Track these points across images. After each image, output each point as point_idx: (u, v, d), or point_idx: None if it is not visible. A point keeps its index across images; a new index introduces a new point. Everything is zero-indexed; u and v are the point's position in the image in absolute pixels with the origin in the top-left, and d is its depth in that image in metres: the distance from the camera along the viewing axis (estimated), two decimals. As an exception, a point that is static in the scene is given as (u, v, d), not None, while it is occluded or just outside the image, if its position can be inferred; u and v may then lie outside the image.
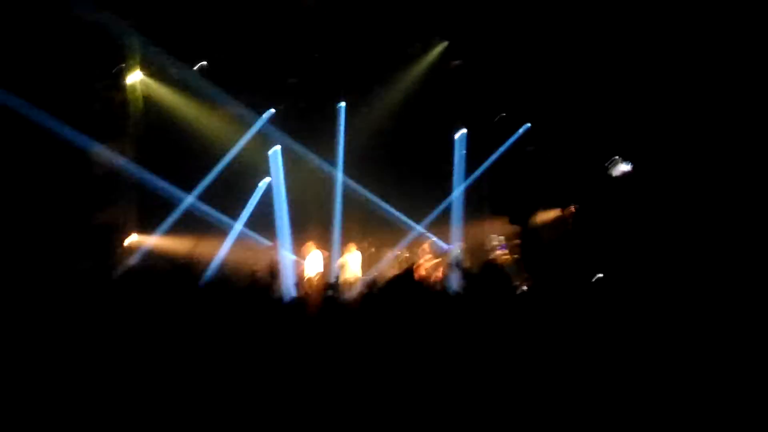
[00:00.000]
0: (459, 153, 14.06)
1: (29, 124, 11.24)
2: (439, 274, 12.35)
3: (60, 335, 5.17)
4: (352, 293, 9.34)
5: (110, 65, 12.85)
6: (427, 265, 12.37)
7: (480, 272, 6.30)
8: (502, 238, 13.12)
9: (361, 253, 13.40)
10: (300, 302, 6.95)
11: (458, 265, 7.68)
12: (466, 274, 6.51)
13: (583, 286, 6.36)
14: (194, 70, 12.95)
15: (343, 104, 14.08)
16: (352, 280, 12.27)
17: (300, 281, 7.82)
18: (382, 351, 4.92)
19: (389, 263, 13.25)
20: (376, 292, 7.92)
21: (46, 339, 5.11)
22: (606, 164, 12.54)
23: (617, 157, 12.44)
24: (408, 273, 7.73)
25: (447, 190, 14.12)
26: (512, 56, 12.47)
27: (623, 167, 12.39)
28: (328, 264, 13.31)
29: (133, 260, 13.50)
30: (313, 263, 12.90)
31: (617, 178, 12.49)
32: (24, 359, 4.91)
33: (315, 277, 12.06)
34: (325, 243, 13.78)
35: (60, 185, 12.27)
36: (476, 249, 12.87)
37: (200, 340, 5.14)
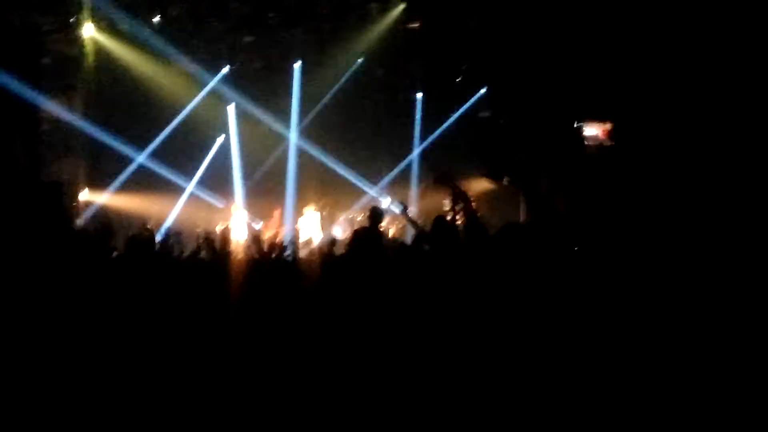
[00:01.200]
0: (417, 116, 14.14)
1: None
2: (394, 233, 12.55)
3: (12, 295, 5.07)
4: (309, 252, 9.42)
5: (62, 18, 12.64)
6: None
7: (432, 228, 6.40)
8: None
9: (319, 214, 13.44)
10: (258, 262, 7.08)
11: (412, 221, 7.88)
12: (420, 230, 6.69)
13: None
14: (148, 26, 12.77)
15: (298, 64, 14.07)
16: (310, 240, 12.34)
17: (258, 242, 7.83)
18: (353, 310, 4.94)
19: (344, 225, 13.32)
20: (333, 252, 8.06)
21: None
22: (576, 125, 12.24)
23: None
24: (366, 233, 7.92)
25: (405, 153, 14.21)
26: (472, 17, 12.53)
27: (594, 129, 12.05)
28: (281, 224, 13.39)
29: (84, 217, 13.50)
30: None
31: (587, 141, 12.26)
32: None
33: (273, 236, 12.11)
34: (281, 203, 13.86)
35: (7, 140, 12.07)
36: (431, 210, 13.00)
37: (145, 310, 5.14)
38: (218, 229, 12.20)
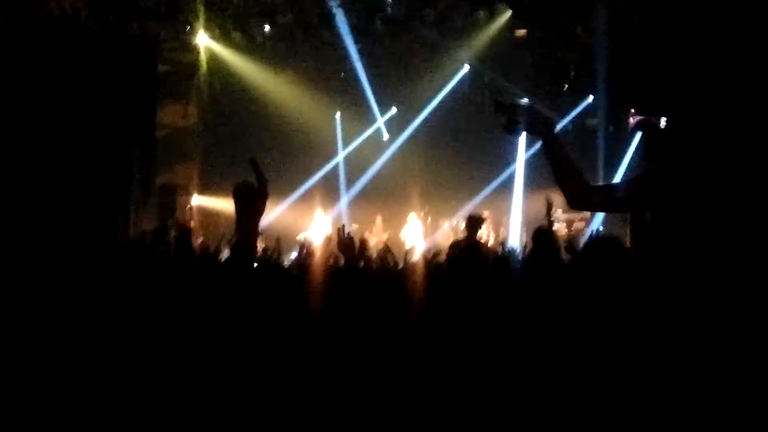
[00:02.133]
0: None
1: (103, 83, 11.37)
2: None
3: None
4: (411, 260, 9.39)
5: (177, 27, 12.99)
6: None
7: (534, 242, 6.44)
8: (560, 213, 12.95)
9: (421, 222, 13.44)
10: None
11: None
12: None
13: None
14: (259, 34, 13.08)
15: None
16: (413, 248, 12.39)
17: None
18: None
19: (445, 234, 13.18)
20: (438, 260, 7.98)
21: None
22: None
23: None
24: (463, 244, 7.81)
25: (510, 161, 14.01)
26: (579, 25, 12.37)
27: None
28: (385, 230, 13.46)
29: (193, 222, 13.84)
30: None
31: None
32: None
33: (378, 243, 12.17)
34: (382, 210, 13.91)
35: (124, 144, 12.42)
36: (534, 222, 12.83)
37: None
38: (300, 237, 12.35)
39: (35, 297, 4.46)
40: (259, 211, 6.33)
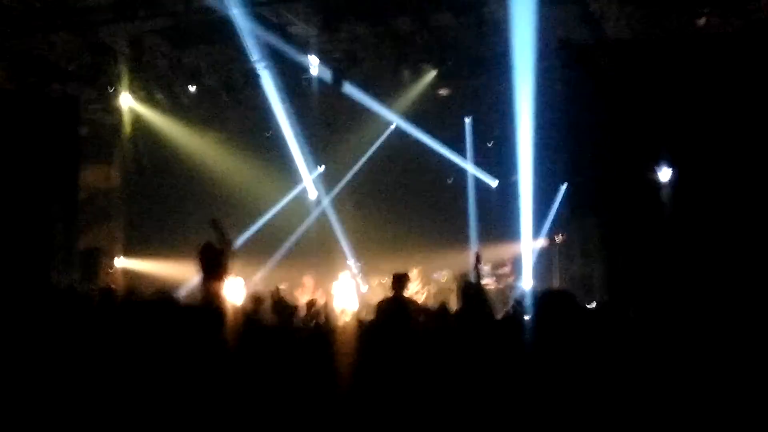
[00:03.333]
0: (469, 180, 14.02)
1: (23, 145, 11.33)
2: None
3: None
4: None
5: (99, 89, 12.98)
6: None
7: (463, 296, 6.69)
8: (487, 267, 13.12)
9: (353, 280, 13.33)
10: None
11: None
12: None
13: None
14: (185, 95, 13.08)
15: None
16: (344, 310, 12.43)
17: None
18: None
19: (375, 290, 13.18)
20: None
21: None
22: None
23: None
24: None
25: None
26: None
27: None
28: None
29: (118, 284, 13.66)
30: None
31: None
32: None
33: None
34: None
35: (44, 207, 12.22)
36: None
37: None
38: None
39: None
40: (226, 269, 6.38)
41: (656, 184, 10.89)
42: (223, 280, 6.59)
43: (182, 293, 9.26)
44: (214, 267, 6.43)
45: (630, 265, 10.18)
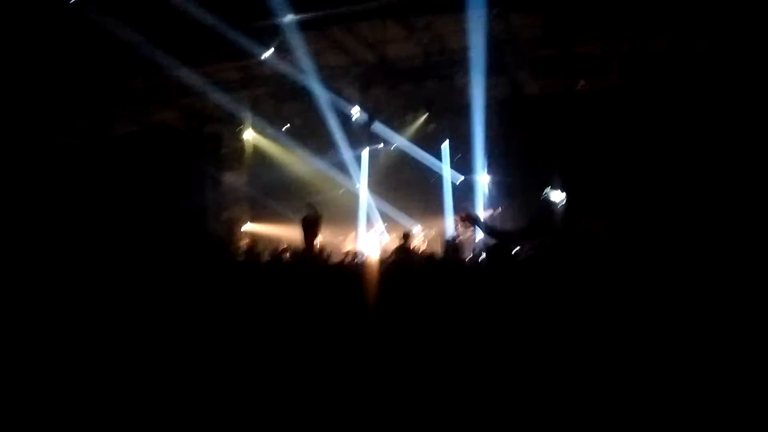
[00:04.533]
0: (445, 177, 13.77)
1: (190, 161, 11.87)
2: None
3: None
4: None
5: (232, 127, 13.37)
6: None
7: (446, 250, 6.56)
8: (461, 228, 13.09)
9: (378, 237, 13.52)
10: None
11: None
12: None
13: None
14: (281, 130, 13.29)
15: (366, 151, 14.33)
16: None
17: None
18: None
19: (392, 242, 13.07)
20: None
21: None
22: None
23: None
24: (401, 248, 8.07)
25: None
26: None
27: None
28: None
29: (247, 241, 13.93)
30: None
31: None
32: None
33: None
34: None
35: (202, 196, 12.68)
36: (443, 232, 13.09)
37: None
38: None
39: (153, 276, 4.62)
40: (316, 233, 6.22)
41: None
42: (316, 239, 6.05)
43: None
44: (310, 231, 5.93)
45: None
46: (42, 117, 10.70)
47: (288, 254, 6.79)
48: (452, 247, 6.57)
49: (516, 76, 11.08)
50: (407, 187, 14.07)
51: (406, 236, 8.60)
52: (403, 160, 13.97)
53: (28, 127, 10.89)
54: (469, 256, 8.12)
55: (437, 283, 4.48)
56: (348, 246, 13.11)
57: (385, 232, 13.78)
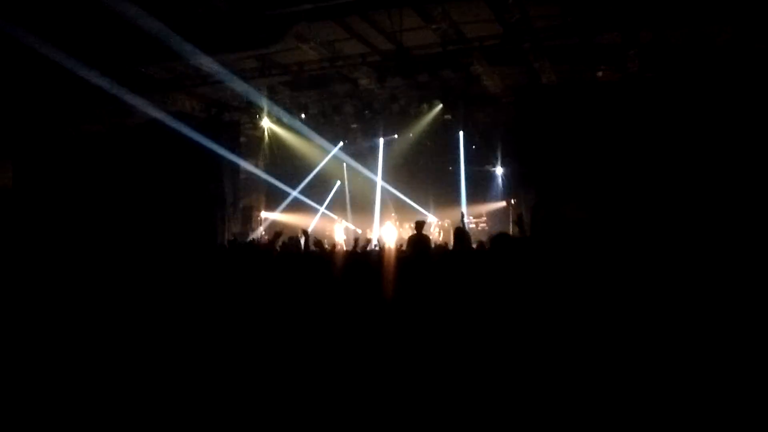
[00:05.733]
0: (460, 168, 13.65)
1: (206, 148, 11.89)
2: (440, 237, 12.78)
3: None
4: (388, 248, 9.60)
5: (251, 116, 13.28)
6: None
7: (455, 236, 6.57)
8: (471, 218, 13.41)
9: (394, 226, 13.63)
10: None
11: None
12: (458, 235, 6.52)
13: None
14: (298, 119, 13.16)
15: (381, 140, 14.38)
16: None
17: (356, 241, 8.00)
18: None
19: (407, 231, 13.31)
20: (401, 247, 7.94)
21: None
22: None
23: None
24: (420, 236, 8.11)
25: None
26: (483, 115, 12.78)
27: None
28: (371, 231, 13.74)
29: (262, 227, 14.24)
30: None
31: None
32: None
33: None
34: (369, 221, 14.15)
35: (220, 183, 12.72)
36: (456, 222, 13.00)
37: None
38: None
39: (161, 277, 4.60)
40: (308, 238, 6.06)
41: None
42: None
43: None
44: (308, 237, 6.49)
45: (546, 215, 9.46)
46: (61, 105, 10.78)
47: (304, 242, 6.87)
48: (461, 234, 6.55)
49: (533, 66, 10.81)
50: (422, 176, 14.07)
51: (420, 225, 8.53)
52: (418, 150, 13.94)
53: (48, 114, 10.96)
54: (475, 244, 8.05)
55: (448, 271, 4.62)
56: (336, 233, 13.19)
57: (398, 221, 13.82)
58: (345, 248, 10.18)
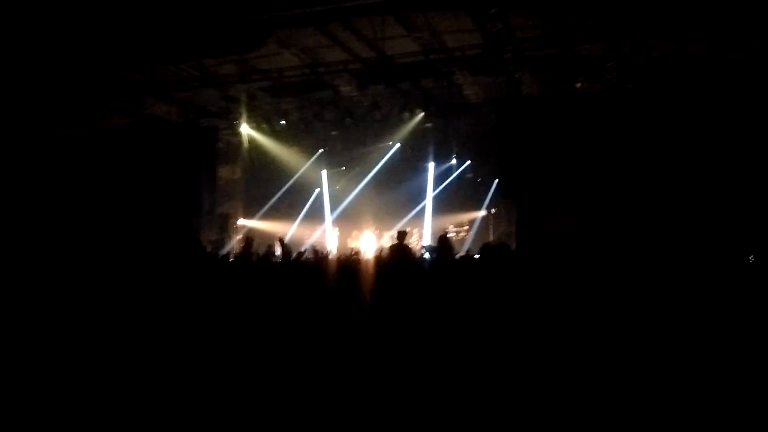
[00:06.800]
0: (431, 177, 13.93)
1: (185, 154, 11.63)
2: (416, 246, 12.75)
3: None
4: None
5: (229, 121, 13.10)
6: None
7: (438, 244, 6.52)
8: (451, 227, 13.47)
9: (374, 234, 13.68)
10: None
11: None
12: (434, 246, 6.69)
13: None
14: (278, 125, 13.04)
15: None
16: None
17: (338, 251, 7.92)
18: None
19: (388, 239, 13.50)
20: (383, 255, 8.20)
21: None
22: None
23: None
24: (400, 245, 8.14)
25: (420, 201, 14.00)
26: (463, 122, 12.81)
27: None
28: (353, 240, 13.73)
29: (240, 235, 14.01)
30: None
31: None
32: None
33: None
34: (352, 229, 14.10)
35: (197, 189, 12.47)
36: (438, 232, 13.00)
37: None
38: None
39: (140, 281, 4.58)
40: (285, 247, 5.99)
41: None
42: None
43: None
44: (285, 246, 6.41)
45: (532, 227, 9.43)
46: (36, 107, 10.48)
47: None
48: (443, 242, 6.56)
49: (514, 76, 10.85)
50: (403, 186, 14.04)
51: (402, 234, 8.49)
52: (398, 159, 13.89)
53: (22, 117, 10.66)
54: (459, 253, 8.13)
55: (429, 277, 4.85)
56: (314, 241, 13.21)
57: (378, 231, 13.81)
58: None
